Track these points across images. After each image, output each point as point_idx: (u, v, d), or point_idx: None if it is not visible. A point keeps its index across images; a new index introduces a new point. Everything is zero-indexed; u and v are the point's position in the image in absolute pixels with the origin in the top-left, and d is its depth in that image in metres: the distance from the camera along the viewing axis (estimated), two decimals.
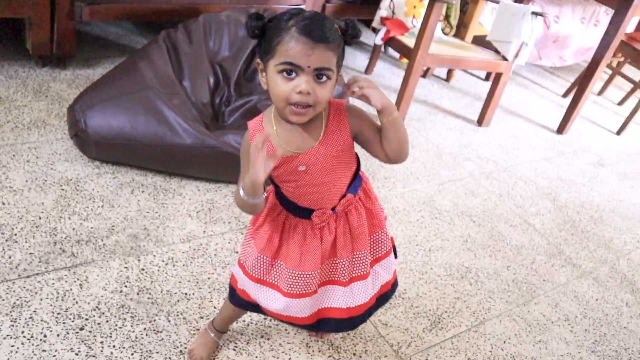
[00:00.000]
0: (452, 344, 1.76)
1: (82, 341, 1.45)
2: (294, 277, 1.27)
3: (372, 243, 1.35)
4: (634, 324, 2.07)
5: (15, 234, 1.70)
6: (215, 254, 1.83)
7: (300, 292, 1.28)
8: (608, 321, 2.05)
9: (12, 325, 1.44)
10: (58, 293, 1.56)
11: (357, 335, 1.69)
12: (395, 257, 1.45)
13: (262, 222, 1.27)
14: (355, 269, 1.32)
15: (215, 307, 1.64)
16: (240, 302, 1.37)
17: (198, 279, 1.72)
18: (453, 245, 2.21)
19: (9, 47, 2.67)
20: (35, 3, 2.33)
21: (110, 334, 1.49)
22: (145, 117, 2.00)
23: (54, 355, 1.40)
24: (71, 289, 1.58)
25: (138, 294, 1.63)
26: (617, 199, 2.93)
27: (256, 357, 1.54)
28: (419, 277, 1.99)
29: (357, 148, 1.24)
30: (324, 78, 1.06)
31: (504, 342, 1.83)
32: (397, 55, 3.94)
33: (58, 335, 1.45)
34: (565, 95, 4.17)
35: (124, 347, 1.46)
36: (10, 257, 1.62)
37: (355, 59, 3.70)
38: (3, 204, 1.80)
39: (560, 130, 3.51)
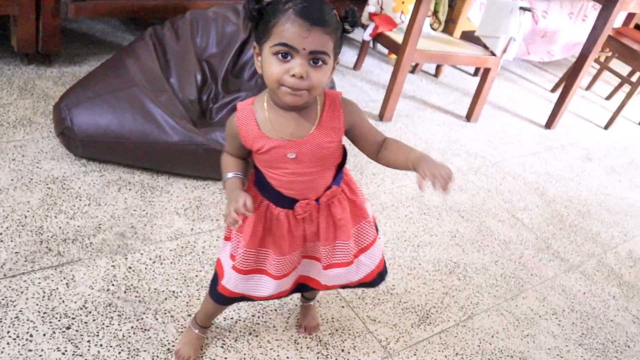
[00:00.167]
0: (440, 339, 1.77)
1: (69, 340, 1.44)
2: (280, 262, 1.28)
3: (356, 233, 1.35)
4: (621, 317, 2.09)
5: (1, 233, 1.69)
6: (203, 252, 1.83)
7: (288, 272, 1.31)
8: (595, 314, 2.06)
9: None
10: (44, 292, 1.55)
11: (346, 331, 1.70)
12: (377, 231, 1.42)
13: (243, 218, 1.25)
14: (336, 256, 1.32)
15: None
16: (221, 298, 1.37)
17: (186, 277, 1.72)
18: (441, 241, 2.21)
19: None
20: (20, 0, 2.31)
21: (97, 332, 1.48)
22: (132, 115, 1.99)
23: (40, 355, 1.39)
24: (57, 288, 1.57)
25: (125, 292, 1.62)
26: (605, 193, 2.95)
27: (244, 354, 1.54)
28: (408, 273, 2.00)
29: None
30: (320, 62, 1.05)
31: (492, 336, 1.83)
32: (385, 51, 3.94)
33: (44, 334, 1.44)
34: (553, 90, 4.18)
35: (111, 346, 1.46)
36: None
37: (344, 54, 3.69)
38: None
39: (549, 125, 3.52)
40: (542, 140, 3.35)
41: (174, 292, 1.66)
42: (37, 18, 2.41)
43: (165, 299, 1.63)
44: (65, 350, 1.41)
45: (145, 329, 1.53)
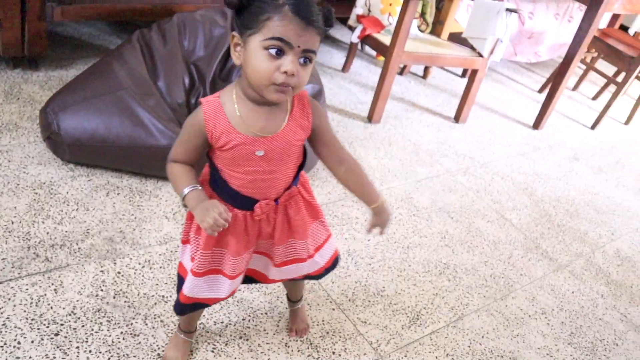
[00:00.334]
0: (431, 340, 1.77)
1: (57, 347, 1.43)
2: (236, 262, 1.27)
3: (312, 233, 1.36)
4: (609, 316, 2.10)
5: None
6: None
7: (242, 270, 1.31)
8: (584, 313, 2.07)
9: None
10: (32, 299, 1.54)
11: (336, 333, 1.69)
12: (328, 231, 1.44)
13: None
14: (289, 254, 1.34)
15: None
16: (182, 309, 1.35)
17: (175, 281, 1.71)
18: (431, 242, 2.22)
19: None
20: (5, 3, 2.29)
21: (86, 338, 1.47)
22: (119, 119, 1.98)
23: None
24: (45, 294, 1.56)
25: (114, 297, 1.61)
26: (592, 192, 2.97)
27: (235, 358, 1.54)
28: (398, 274, 2.00)
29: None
30: (308, 61, 1.05)
31: (482, 336, 1.84)
32: (373, 53, 3.95)
33: (32, 341, 1.42)
34: (540, 90, 4.21)
35: (100, 352, 1.45)
36: None
37: (332, 57, 3.70)
38: None
39: (536, 125, 3.54)
40: (530, 140, 3.37)
41: (163, 296, 1.65)
42: (22, 22, 2.39)
43: (155, 303, 1.62)
44: (54, 357, 1.40)
45: (134, 334, 1.52)
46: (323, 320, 1.73)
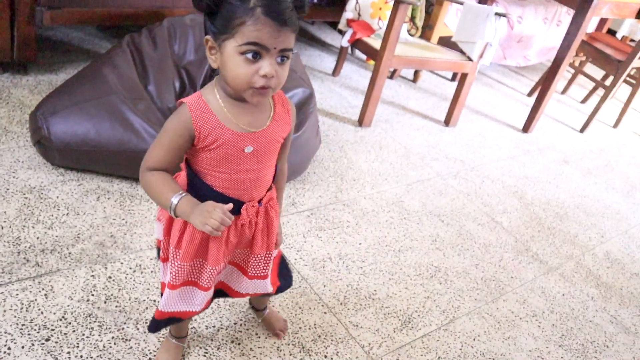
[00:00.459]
0: (422, 343, 1.78)
1: (48, 352, 1.42)
2: (212, 272, 1.25)
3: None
4: (599, 318, 2.11)
5: None
6: None
7: (215, 281, 1.30)
8: (574, 315, 2.09)
9: None
10: (22, 304, 1.53)
11: (328, 337, 1.69)
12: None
13: (180, 236, 1.20)
14: (265, 268, 1.33)
15: None
16: (156, 325, 1.34)
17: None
18: (422, 245, 2.22)
19: None
20: None
21: (77, 344, 1.46)
22: (110, 123, 1.97)
23: None
24: (36, 300, 1.55)
25: (105, 302, 1.60)
26: (582, 195, 2.99)
27: None
28: (389, 278, 2.00)
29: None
30: (285, 59, 1.05)
31: (474, 339, 1.84)
32: (364, 57, 3.96)
33: (23, 347, 1.41)
34: (529, 94, 4.24)
35: (91, 357, 1.44)
36: None
37: (322, 61, 3.70)
38: None
39: (526, 128, 3.56)
40: (520, 143, 3.39)
41: (154, 301, 1.64)
42: (11, 26, 2.38)
43: (146, 308, 1.61)
44: None
45: (126, 339, 1.51)
46: (315, 324, 1.73)
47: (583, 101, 4.43)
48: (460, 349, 1.79)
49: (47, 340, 1.45)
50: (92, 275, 1.67)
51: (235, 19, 0.99)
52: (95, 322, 1.53)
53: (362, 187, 2.47)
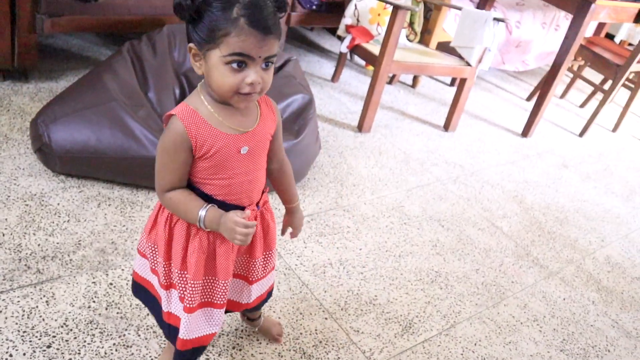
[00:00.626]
0: (423, 348, 1.78)
1: (50, 359, 1.42)
2: (225, 287, 1.24)
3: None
4: (600, 322, 2.11)
5: None
6: None
7: (227, 297, 1.28)
8: (575, 320, 2.09)
9: None
10: (24, 311, 1.53)
11: (329, 342, 1.69)
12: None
13: (184, 254, 1.18)
14: (266, 269, 1.35)
15: None
16: (183, 358, 1.32)
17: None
18: (422, 250, 2.22)
19: None
20: None
21: (79, 350, 1.46)
22: (110, 130, 1.98)
23: None
24: (37, 306, 1.55)
25: (107, 308, 1.60)
26: (581, 199, 2.99)
27: None
28: (390, 283, 2.00)
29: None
30: (270, 64, 1.05)
31: (475, 344, 1.85)
32: (363, 62, 3.97)
33: (24, 354, 1.42)
34: (528, 99, 4.24)
35: None
36: None
37: (322, 67, 3.71)
38: None
39: (525, 133, 3.57)
40: (519, 148, 3.40)
41: None
42: (12, 34, 2.39)
43: (147, 314, 1.61)
44: None
45: (127, 346, 1.51)
46: (316, 330, 1.73)
47: (582, 105, 4.44)
48: (462, 354, 1.79)
49: (49, 347, 1.45)
50: (93, 282, 1.67)
51: (219, 30, 0.98)
52: (96, 328, 1.53)
53: (362, 192, 2.48)
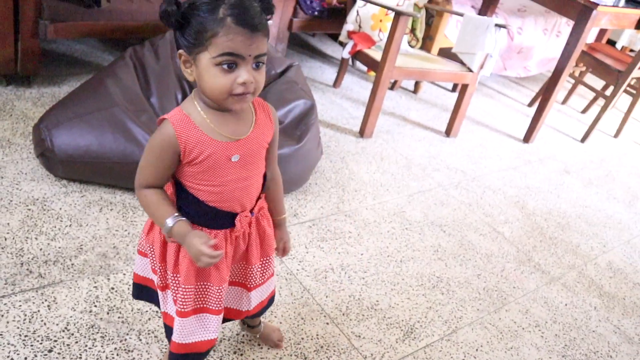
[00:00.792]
0: (425, 353, 1.77)
1: None
2: (220, 292, 1.23)
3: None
4: (602, 328, 2.11)
5: None
6: None
7: (223, 302, 1.26)
8: (577, 325, 2.08)
9: None
10: (25, 315, 1.53)
11: (331, 347, 1.69)
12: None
13: (176, 259, 1.19)
14: (264, 275, 1.33)
15: None
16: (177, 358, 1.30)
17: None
18: (424, 256, 2.22)
19: None
20: None
21: (80, 355, 1.46)
22: (112, 135, 1.99)
23: None
24: (39, 311, 1.55)
25: (108, 313, 1.60)
26: (583, 205, 2.99)
27: None
28: (391, 288, 2.00)
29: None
30: (261, 64, 1.04)
31: (477, 350, 1.84)
32: (364, 68, 3.98)
33: (26, 358, 1.42)
34: (530, 104, 4.25)
35: None
36: None
37: (323, 72, 3.72)
38: None
39: (527, 139, 3.57)
40: (521, 154, 3.40)
41: (157, 311, 1.64)
42: (15, 39, 2.40)
43: (149, 319, 1.62)
44: None
45: (128, 350, 1.51)
46: (317, 335, 1.73)
47: (583, 111, 4.44)
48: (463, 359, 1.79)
49: (50, 351, 1.45)
50: (95, 287, 1.67)
51: (207, 31, 0.98)
52: (98, 333, 1.53)
53: (363, 197, 2.48)
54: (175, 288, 1.21)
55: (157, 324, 1.60)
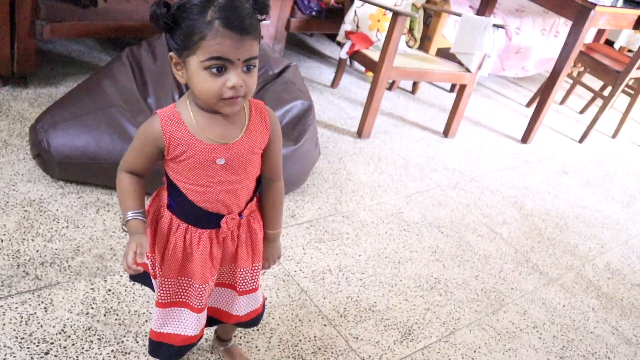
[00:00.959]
0: (423, 355, 1.77)
1: None
2: (202, 291, 1.22)
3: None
4: (600, 329, 2.11)
5: None
6: None
7: (206, 302, 1.26)
8: (575, 327, 2.08)
9: None
10: (22, 317, 1.52)
11: (328, 349, 1.69)
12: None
13: (163, 253, 1.20)
14: (254, 280, 1.30)
15: None
16: (152, 348, 1.30)
17: None
18: (422, 257, 2.22)
19: None
20: None
21: (77, 357, 1.46)
22: (109, 136, 1.98)
23: None
24: (35, 313, 1.54)
25: (105, 315, 1.60)
26: (581, 205, 2.99)
27: None
28: (389, 290, 2.00)
29: None
30: (252, 67, 1.03)
31: (474, 351, 1.84)
32: (362, 68, 3.97)
33: None
34: (528, 105, 4.24)
35: None
36: None
37: (321, 73, 3.71)
38: None
39: (525, 139, 3.57)
40: (519, 154, 3.40)
41: None
42: (12, 39, 2.40)
43: (146, 321, 1.61)
44: None
45: (125, 352, 1.50)
46: (315, 337, 1.72)
47: (582, 111, 4.43)
48: None
49: (47, 353, 1.44)
50: (92, 288, 1.67)
51: (195, 34, 0.97)
52: (94, 335, 1.53)
53: (361, 198, 2.47)
54: (158, 278, 1.22)
55: None
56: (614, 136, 4.12)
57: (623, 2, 3.37)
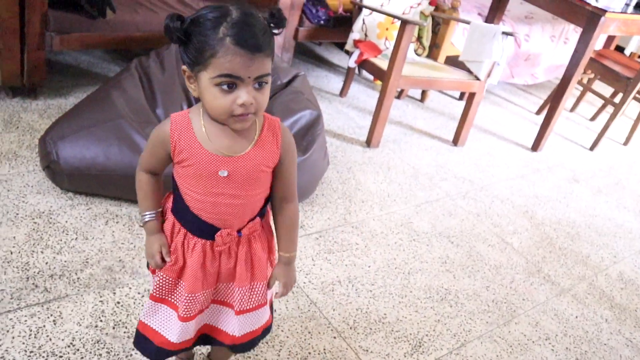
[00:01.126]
0: None
1: None
2: (190, 301, 1.20)
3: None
4: (614, 340, 2.08)
5: None
6: None
7: (194, 314, 1.23)
8: (588, 338, 2.05)
9: None
10: (31, 330, 1.52)
11: None
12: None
13: (169, 243, 1.20)
14: (252, 300, 1.24)
15: None
16: (137, 339, 1.29)
17: None
18: (432, 267, 2.20)
19: None
20: (4, 33, 2.31)
21: None
22: (118, 147, 1.98)
23: None
24: (44, 326, 1.54)
25: (114, 328, 1.59)
26: (593, 214, 2.96)
27: None
28: (399, 301, 1.98)
29: None
30: (264, 84, 1.02)
31: None
32: (371, 77, 3.96)
33: None
34: (538, 112, 4.22)
35: None
36: None
37: (330, 82, 3.71)
38: None
39: (535, 147, 3.54)
40: (529, 162, 3.37)
41: None
42: (22, 51, 2.41)
43: None
44: None
45: None
46: (324, 349, 1.71)
47: (592, 119, 4.41)
48: None
49: None
50: (101, 301, 1.66)
51: (206, 51, 0.96)
52: (103, 348, 1.52)
53: (370, 208, 2.46)
54: (158, 273, 1.22)
55: None
56: (625, 143, 4.09)
57: (634, 8, 3.35)
